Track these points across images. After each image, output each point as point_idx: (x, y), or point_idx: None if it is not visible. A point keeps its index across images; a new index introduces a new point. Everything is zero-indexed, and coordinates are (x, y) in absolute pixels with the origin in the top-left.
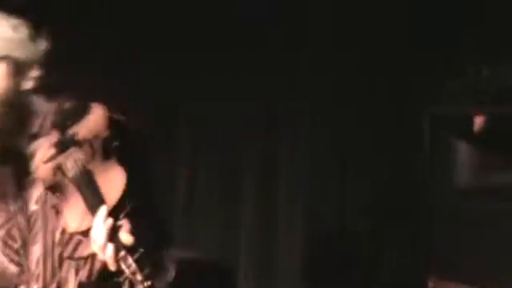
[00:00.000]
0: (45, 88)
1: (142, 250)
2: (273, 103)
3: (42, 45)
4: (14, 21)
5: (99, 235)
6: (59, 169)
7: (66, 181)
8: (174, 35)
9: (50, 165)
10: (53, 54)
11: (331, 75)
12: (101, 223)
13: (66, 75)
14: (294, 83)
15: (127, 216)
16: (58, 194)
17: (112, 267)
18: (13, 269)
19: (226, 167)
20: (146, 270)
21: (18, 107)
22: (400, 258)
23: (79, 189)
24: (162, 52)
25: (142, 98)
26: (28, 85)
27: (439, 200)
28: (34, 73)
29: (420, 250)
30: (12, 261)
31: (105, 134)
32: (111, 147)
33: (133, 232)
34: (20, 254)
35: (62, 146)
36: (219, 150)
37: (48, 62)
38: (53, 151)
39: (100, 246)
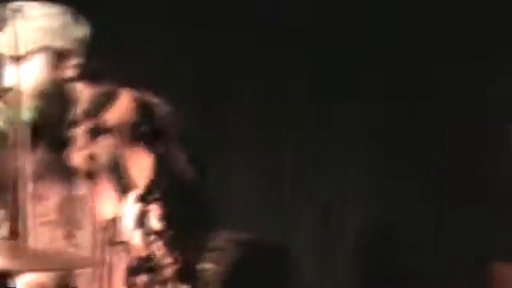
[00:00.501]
0: (84, 75)
1: (171, 233)
2: (319, 104)
3: (80, 32)
4: (50, 10)
5: (128, 221)
6: (91, 157)
7: (99, 168)
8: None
9: (83, 153)
10: (92, 41)
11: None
12: (130, 209)
13: (105, 62)
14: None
15: (159, 200)
16: (93, 181)
17: (142, 252)
18: (69, 252)
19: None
20: (176, 253)
21: (59, 96)
22: (457, 243)
23: (110, 176)
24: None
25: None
26: (68, 73)
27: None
28: (74, 61)
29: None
30: (64, 246)
31: (134, 119)
32: (141, 132)
33: (162, 216)
34: (70, 239)
35: (94, 134)
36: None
37: (87, 50)
38: (85, 139)
39: (130, 232)
